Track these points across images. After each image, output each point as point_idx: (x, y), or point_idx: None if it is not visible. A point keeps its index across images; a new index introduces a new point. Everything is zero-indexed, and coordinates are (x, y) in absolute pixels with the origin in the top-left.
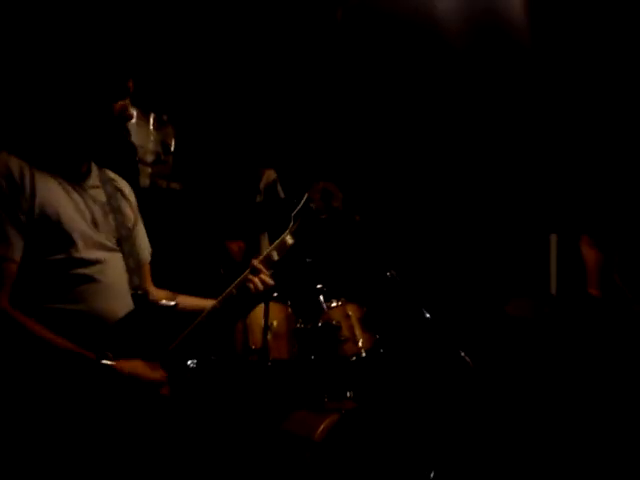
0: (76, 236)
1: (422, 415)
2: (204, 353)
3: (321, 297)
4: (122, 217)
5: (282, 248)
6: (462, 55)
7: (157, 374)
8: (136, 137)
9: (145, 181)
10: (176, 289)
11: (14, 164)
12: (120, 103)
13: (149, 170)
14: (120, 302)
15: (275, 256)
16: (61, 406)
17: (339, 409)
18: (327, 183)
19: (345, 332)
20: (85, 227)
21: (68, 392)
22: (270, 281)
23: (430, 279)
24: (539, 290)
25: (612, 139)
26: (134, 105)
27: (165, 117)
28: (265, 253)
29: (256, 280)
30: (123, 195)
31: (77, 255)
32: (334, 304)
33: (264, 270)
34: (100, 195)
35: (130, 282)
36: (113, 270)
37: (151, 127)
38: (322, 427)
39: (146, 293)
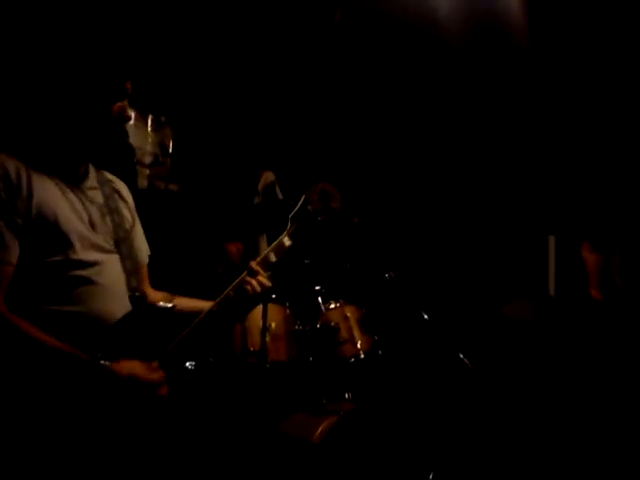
0: (73, 238)
1: (421, 417)
2: (202, 355)
3: (319, 298)
4: (120, 218)
5: (280, 250)
6: (460, 56)
7: (155, 375)
8: (134, 139)
9: (143, 182)
10: (174, 291)
11: (11, 165)
12: (118, 104)
13: (147, 171)
14: (118, 304)
15: (273, 258)
16: (58, 408)
17: (337, 411)
18: (325, 184)
19: (343, 334)
20: (82, 229)
21: (65, 394)
22: (268, 283)
23: (429, 281)
24: (538, 292)
25: (610, 140)
26: (132, 106)
27: (163, 119)
28: (263, 255)
29: (254, 282)
30: (121, 196)
31: (74, 257)
32: (332, 305)
33: (262, 272)
34: (98, 196)
35: (128, 284)
36: (110, 272)
37: (149, 129)
38: (320, 429)
39: (144, 295)
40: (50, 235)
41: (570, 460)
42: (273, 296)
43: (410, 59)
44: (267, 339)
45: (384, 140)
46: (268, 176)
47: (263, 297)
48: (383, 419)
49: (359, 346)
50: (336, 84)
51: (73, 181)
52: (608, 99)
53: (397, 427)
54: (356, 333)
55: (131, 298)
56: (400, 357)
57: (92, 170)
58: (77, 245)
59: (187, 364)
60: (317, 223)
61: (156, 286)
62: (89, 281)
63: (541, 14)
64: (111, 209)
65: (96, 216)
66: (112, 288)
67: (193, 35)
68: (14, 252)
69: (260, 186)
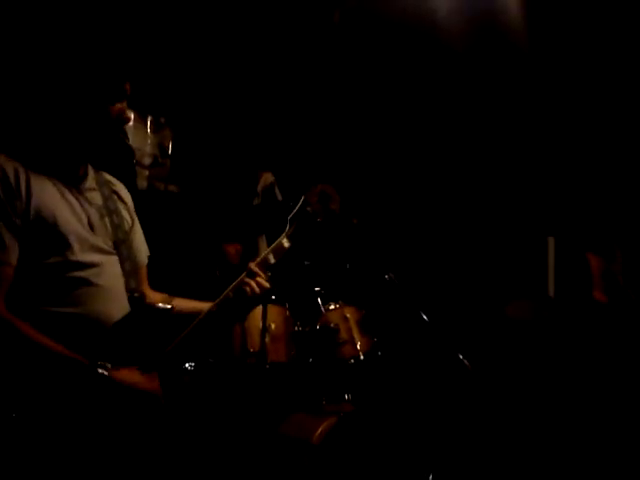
0: (72, 239)
1: (420, 418)
2: (202, 356)
3: (319, 300)
4: (119, 220)
5: (278, 251)
6: (460, 57)
7: (153, 384)
8: (133, 140)
9: (142, 184)
10: (173, 292)
11: (9, 167)
12: (117, 106)
13: (146, 173)
14: (116, 305)
15: (272, 259)
16: (55, 411)
17: (337, 412)
18: (325, 186)
19: (343, 335)
20: (81, 230)
21: (62, 398)
22: (266, 284)
23: (428, 281)
24: (537, 293)
25: (610, 140)
26: (131, 108)
27: (162, 120)
28: (262, 256)
29: (253, 283)
30: (120, 198)
31: (73, 258)
32: (332, 307)
33: (261, 273)
34: (97, 198)
35: (127, 285)
36: (109, 273)
37: (148, 130)
38: (320, 430)
39: (142, 296)
40: (49, 236)
41: (570, 460)
42: (273, 297)
43: (409, 60)
44: (267, 340)
45: (383, 141)
46: (267, 177)
47: (262, 298)
48: (383, 420)
49: (359, 347)
50: (335, 85)
51: (72, 182)
52: (607, 99)
53: (397, 428)
54: (356, 334)
55: (130, 299)
56: (400, 358)
57: (91, 171)
58: (76, 246)
59: (186, 365)
60: (316, 224)
61: (155, 287)
62: (88, 282)
63: (540, 15)
64: (110, 210)
65: (95, 217)
66: (111, 289)
67: (193, 36)
68: (14, 253)
69: (259, 187)
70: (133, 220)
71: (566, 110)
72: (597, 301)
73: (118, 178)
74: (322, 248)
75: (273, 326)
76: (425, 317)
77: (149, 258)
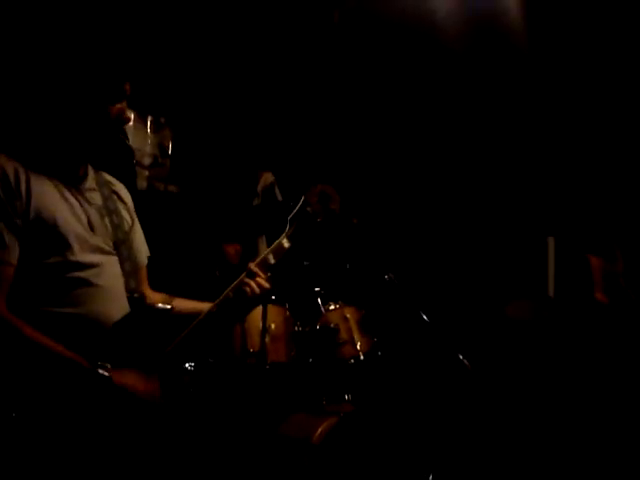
0: (72, 239)
1: (420, 418)
2: (202, 356)
3: (319, 300)
4: (119, 220)
5: (278, 252)
6: (459, 58)
7: (153, 385)
8: (133, 140)
9: (142, 184)
10: (173, 292)
11: (9, 167)
12: (117, 106)
13: (146, 173)
14: (116, 305)
15: (271, 259)
16: (54, 412)
17: (337, 412)
18: (325, 186)
19: (343, 335)
20: (81, 230)
21: (62, 398)
22: (266, 284)
23: (428, 282)
24: (537, 293)
25: (610, 141)
26: (131, 108)
27: (162, 120)
28: (262, 256)
29: (252, 283)
30: (120, 198)
31: (73, 258)
32: (332, 307)
33: (260, 273)
34: (96, 198)
35: (126, 285)
36: (109, 273)
37: (148, 130)
38: (320, 430)
39: (142, 296)
40: (48, 237)
41: (570, 461)
42: (273, 297)
43: (409, 61)
44: (267, 340)
45: (383, 141)
46: (267, 177)
47: (262, 298)
48: (383, 420)
49: (359, 347)
50: (335, 85)
51: (72, 182)
52: (607, 100)
53: (397, 428)
54: (356, 334)
55: (130, 299)
56: (400, 358)
57: (91, 171)
58: (76, 247)
59: (186, 365)
60: (316, 224)
61: (155, 287)
62: (88, 283)
63: (540, 15)
64: (110, 210)
65: (95, 218)
66: (111, 290)
67: (192, 36)
68: (14, 253)
69: (259, 187)
70: (133, 220)
71: (566, 111)
72: (598, 302)
73: (118, 178)
74: (322, 248)
75: (273, 326)
76: (425, 317)
77: (149, 258)
